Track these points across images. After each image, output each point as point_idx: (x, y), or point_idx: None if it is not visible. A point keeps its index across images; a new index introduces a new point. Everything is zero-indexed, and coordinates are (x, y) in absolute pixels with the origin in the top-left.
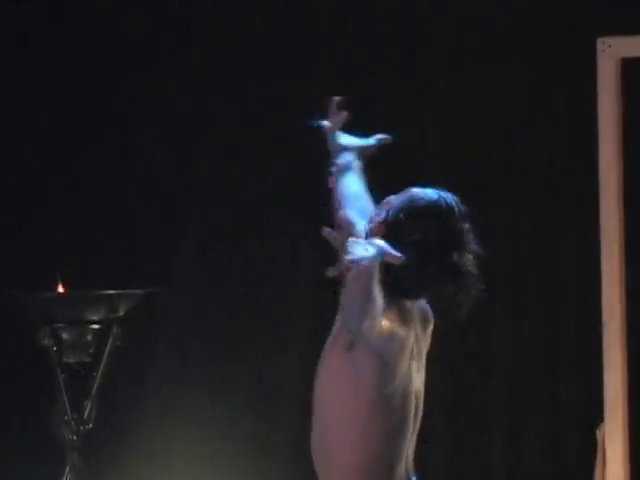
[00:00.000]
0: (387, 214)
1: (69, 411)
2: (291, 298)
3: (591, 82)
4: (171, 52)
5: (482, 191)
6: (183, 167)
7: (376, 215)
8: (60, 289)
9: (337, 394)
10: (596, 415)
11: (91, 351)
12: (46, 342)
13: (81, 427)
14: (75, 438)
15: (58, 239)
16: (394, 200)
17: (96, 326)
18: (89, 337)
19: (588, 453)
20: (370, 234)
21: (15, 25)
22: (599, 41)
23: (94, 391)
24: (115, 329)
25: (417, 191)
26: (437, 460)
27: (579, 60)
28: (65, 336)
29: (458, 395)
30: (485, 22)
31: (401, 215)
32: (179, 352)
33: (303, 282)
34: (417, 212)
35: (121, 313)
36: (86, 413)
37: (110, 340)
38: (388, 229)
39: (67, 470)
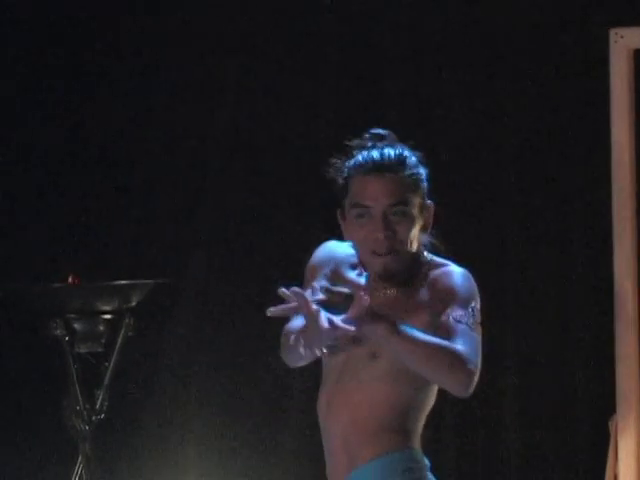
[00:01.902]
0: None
1: (81, 401)
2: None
3: (603, 73)
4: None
5: (495, 182)
6: (195, 158)
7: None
8: (72, 280)
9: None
10: (608, 406)
11: (103, 341)
12: (58, 333)
13: (93, 417)
14: (87, 428)
15: (70, 230)
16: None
17: (108, 316)
18: (101, 327)
19: (600, 444)
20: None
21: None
22: (612, 32)
23: (106, 381)
24: (127, 319)
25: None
26: (449, 451)
27: (591, 51)
28: (77, 327)
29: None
30: (500, 13)
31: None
32: (191, 342)
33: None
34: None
35: (133, 303)
36: (98, 403)
37: (122, 330)
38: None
39: (79, 460)
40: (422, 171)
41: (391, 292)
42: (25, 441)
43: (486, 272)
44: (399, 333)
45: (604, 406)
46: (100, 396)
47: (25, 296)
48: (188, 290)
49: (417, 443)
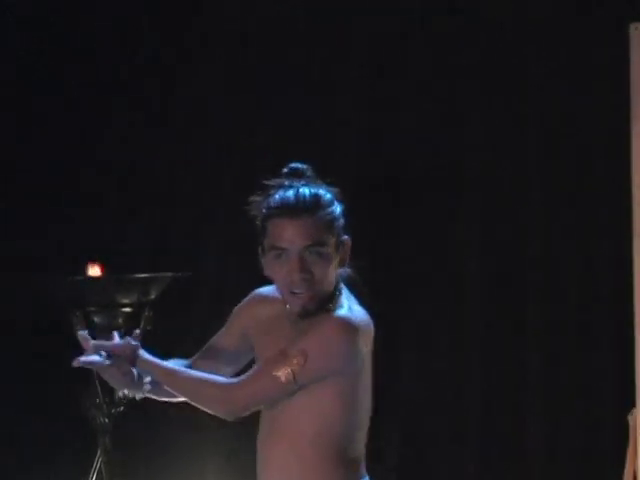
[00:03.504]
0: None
1: (101, 394)
2: None
3: (623, 68)
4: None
5: (518, 176)
6: (212, 151)
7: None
8: (92, 273)
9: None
10: (628, 401)
11: (122, 334)
12: (78, 326)
13: (112, 410)
14: (107, 421)
15: (89, 223)
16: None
17: (128, 309)
18: (120, 320)
19: (620, 438)
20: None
21: None
22: (631, 26)
23: None
24: (146, 312)
25: (319, 199)
26: (471, 442)
27: (611, 46)
28: (97, 320)
29: (492, 380)
30: (517, 8)
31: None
32: (210, 335)
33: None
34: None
35: (152, 296)
36: (116, 396)
37: (142, 323)
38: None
39: (98, 452)
40: (337, 209)
41: (303, 325)
42: (45, 434)
43: (508, 262)
44: (146, 361)
45: (624, 401)
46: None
47: (45, 289)
48: (207, 283)
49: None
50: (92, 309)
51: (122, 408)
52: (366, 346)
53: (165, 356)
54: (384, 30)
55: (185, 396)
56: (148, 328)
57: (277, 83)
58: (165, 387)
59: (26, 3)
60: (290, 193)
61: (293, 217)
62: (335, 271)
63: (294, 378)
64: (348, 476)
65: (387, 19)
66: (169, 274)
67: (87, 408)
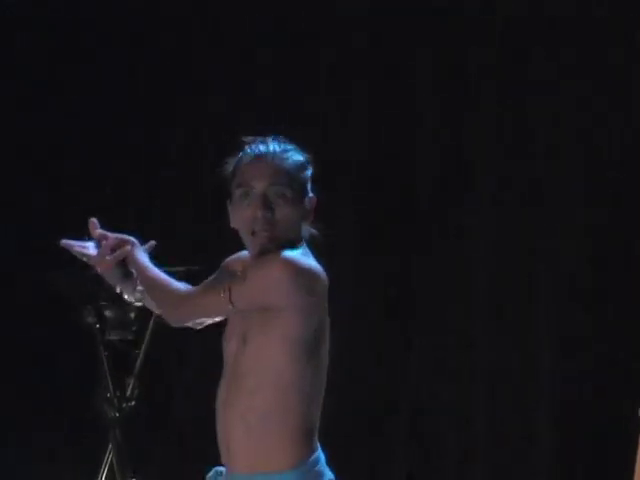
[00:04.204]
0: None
1: (112, 388)
2: (337, 282)
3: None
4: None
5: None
6: (224, 147)
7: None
8: None
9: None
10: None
11: (134, 329)
12: (89, 320)
13: (124, 404)
14: (118, 415)
15: (102, 218)
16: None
17: (139, 304)
18: (132, 315)
19: (630, 433)
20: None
21: None
22: None
23: (137, 369)
24: None
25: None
26: (479, 436)
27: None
28: (108, 314)
29: (501, 373)
30: (524, 6)
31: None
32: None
33: (342, 262)
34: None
35: None
36: (129, 391)
37: (153, 318)
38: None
39: (110, 447)
40: (306, 165)
41: None
42: (56, 428)
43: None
44: (132, 255)
45: (635, 395)
46: (131, 383)
47: (57, 283)
48: None
49: (306, 450)
50: (103, 303)
51: (133, 403)
52: (315, 293)
53: (179, 348)
54: (390, 29)
55: (148, 293)
56: (160, 322)
57: (284, 88)
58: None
59: None
60: (262, 143)
61: (261, 159)
62: (298, 223)
63: (230, 296)
64: (309, 437)
65: (389, 19)
66: (181, 268)
67: (98, 403)
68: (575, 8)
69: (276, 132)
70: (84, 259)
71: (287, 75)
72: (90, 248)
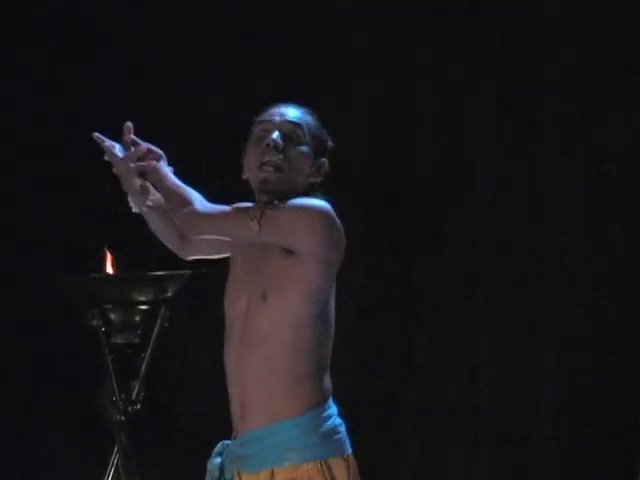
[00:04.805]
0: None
1: (117, 392)
2: (340, 281)
3: None
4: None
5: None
6: (233, 146)
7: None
8: (109, 271)
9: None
10: None
11: (139, 332)
12: (95, 323)
13: (129, 408)
14: (123, 419)
15: (107, 221)
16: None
17: (144, 307)
18: (137, 318)
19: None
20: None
21: None
22: None
23: (142, 372)
24: (163, 310)
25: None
26: (487, 437)
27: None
28: (113, 317)
29: (502, 373)
30: (530, 6)
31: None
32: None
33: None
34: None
35: (169, 294)
36: (134, 394)
37: (158, 321)
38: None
39: (115, 450)
40: (326, 135)
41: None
42: (61, 431)
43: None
44: (158, 170)
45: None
46: (136, 387)
47: (62, 287)
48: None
49: (319, 398)
50: (109, 307)
51: (138, 406)
52: (339, 250)
53: (185, 352)
54: (390, 29)
55: (170, 201)
56: (165, 325)
57: (284, 88)
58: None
59: None
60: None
61: (280, 106)
62: (306, 171)
63: (259, 221)
64: (322, 385)
65: (389, 19)
66: (186, 272)
67: (103, 406)
68: (575, 8)
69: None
70: (108, 158)
71: (287, 75)
72: (117, 150)
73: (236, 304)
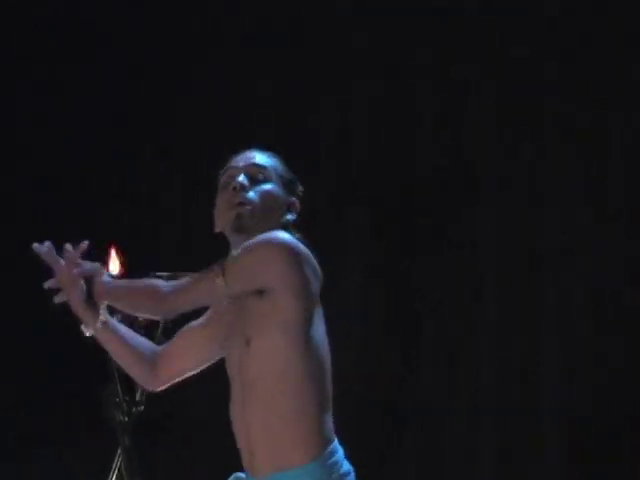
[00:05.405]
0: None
1: (121, 393)
2: (342, 281)
3: None
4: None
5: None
6: (224, 147)
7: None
8: (112, 271)
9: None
10: None
11: (143, 333)
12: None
13: (133, 409)
14: (127, 420)
15: (114, 222)
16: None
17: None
18: (141, 319)
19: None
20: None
21: None
22: None
23: None
24: None
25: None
26: (489, 442)
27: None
28: (117, 318)
29: (506, 373)
30: (531, 6)
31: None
32: None
33: (354, 266)
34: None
35: None
36: (137, 394)
37: (161, 322)
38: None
39: (119, 451)
40: (294, 179)
41: None
42: (64, 432)
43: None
44: (103, 273)
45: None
46: (140, 388)
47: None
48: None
49: (324, 441)
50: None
51: (142, 407)
52: (308, 274)
53: None
54: (390, 29)
55: (125, 308)
56: (169, 326)
57: (284, 88)
58: (118, 299)
59: None
60: None
61: (244, 152)
62: (278, 207)
63: (224, 276)
64: (325, 426)
65: (389, 19)
66: (189, 273)
67: (107, 407)
68: (575, 8)
69: (276, 132)
70: (50, 264)
71: (287, 75)
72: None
73: (230, 358)
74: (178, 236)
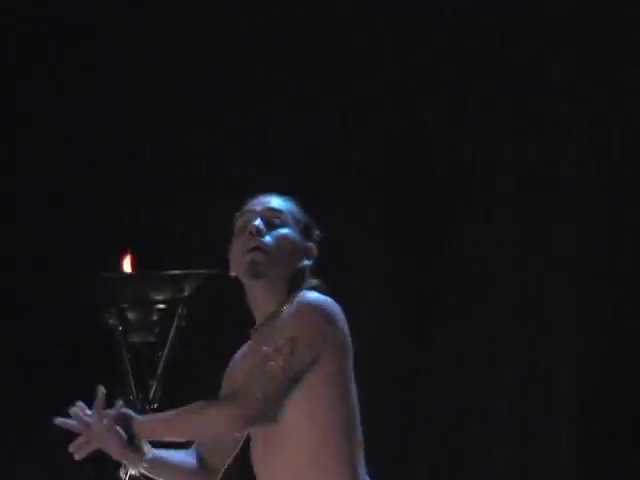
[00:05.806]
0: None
1: (134, 391)
2: (353, 281)
3: None
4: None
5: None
6: (224, 147)
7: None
8: (126, 270)
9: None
10: None
11: (156, 331)
12: (112, 322)
13: (146, 407)
14: None
15: (124, 220)
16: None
17: (161, 306)
18: (154, 317)
19: None
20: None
21: None
22: None
23: (159, 371)
24: (180, 309)
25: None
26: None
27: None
28: (130, 316)
29: (522, 375)
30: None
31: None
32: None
33: (364, 267)
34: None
35: (186, 293)
36: (151, 393)
37: (175, 320)
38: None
39: None
40: (310, 221)
41: (261, 330)
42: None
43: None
44: (139, 418)
45: None
46: (153, 386)
47: (79, 286)
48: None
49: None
50: (125, 306)
51: (156, 405)
52: (344, 327)
53: (202, 351)
54: (390, 29)
55: (193, 433)
56: (182, 325)
57: (284, 88)
58: (171, 436)
59: None
60: None
61: (260, 197)
62: (294, 253)
63: (288, 366)
64: (353, 466)
65: (389, 19)
66: (202, 271)
67: (120, 405)
68: (575, 8)
69: (276, 132)
70: (79, 430)
71: (287, 75)
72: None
73: None
74: (178, 236)
